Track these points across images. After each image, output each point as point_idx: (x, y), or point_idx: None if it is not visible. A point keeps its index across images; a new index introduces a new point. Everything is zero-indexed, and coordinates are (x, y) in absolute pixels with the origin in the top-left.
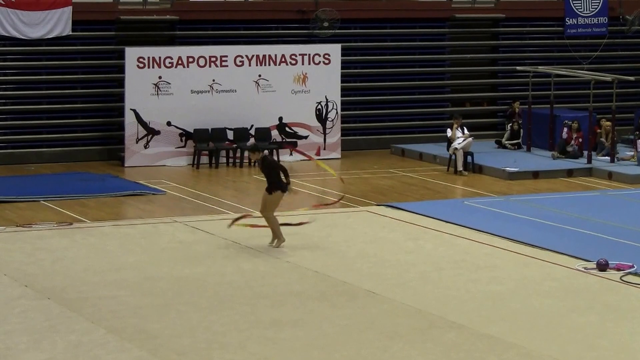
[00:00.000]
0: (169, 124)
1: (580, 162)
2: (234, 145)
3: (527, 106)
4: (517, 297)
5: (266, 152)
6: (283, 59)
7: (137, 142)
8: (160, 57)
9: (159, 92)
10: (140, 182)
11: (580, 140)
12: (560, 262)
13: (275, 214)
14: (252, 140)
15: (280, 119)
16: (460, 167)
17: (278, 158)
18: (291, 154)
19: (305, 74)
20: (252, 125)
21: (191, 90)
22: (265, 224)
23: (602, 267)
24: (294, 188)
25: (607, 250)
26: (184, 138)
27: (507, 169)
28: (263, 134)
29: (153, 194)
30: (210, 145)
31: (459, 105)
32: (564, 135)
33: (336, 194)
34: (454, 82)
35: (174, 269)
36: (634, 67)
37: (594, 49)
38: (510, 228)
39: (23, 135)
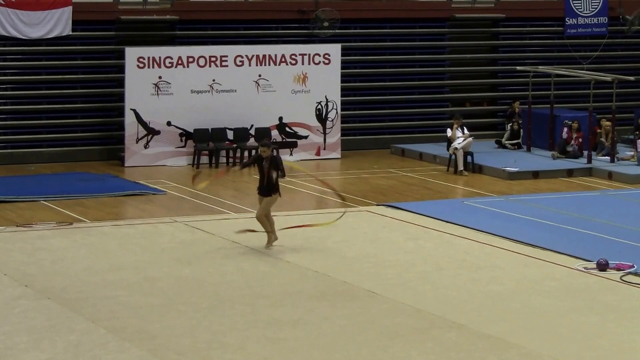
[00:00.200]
0: (169, 124)
1: (580, 162)
2: (234, 145)
3: (527, 106)
4: (517, 297)
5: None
6: (283, 59)
7: (137, 142)
8: (160, 57)
9: (159, 92)
10: (140, 182)
11: (580, 140)
12: (560, 262)
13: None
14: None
15: (281, 118)
16: (460, 167)
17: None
18: (291, 154)
19: (305, 73)
20: (252, 125)
21: (191, 90)
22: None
23: (602, 267)
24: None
25: (607, 250)
26: (184, 138)
27: (507, 169)
28: (263, 134)
29: (153, 193)
30: (210, 145)
31: (458, 105)
32: (564, 135)
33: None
34: (454, 82)
35: (174, 269)
36: (634, 67)
37: (594, 49)
38: (510, 228)
39: (23, 135)
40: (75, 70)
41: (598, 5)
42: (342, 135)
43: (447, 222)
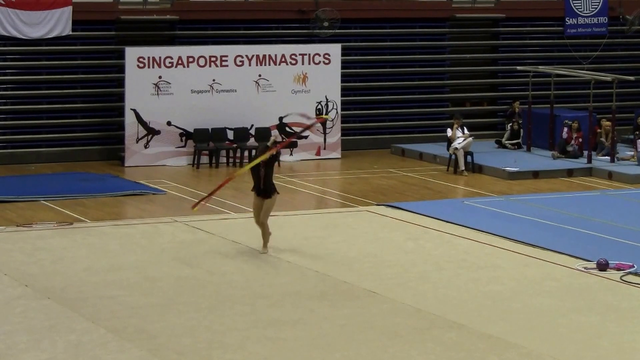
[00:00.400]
0: (169, 123)
1: (581, 162)
2: (234, 145)
3: (527, 106)
4: (517, 297)
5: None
6: (283, 59)
7: (137, 142)
8: (160, 57)
9: (159, 92)
10: (141, 182)
11: (580, 140)
12: (560, 262)
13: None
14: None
15: (281, 118)
16: (460, 167)
17: (279, 160)
18: (291, 154)
19: (305, 73)
20: (252, 125)
21: (191, 90)
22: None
23: (602, 267)
24: None
25: (607, 250)
26: (184, 138)
27: (507, 168)
28: (263, 133)
29: (153, 193)
30: (211, 145)
31: (459, 105)
32: (564, 135)
33: (337, 193)
34: (454, 82)
35: (174, 269)
36: (634, 67)
37: (594, 49)
38: (510, 228)
39: (23, 135)
40: (75, 70)
41: (598, 5)
42: (342, 135)
43: (447, 222)
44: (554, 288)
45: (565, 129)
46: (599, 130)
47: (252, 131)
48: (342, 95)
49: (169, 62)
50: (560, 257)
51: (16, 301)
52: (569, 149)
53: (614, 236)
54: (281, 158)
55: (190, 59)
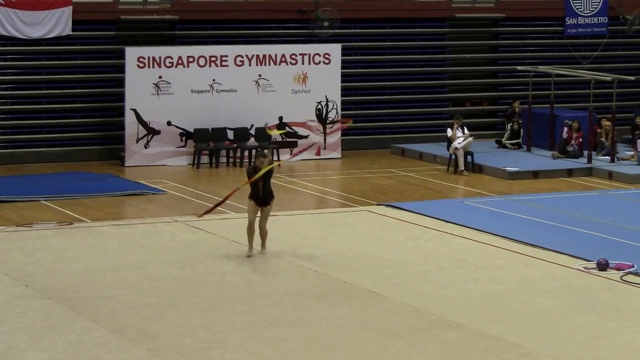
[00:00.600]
0: (169, 123)
1: (581, 162)
2: (234, 145)
3: (527, 106)
4: (517, 297)
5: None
6: (283, 59)
7: (137, 142)
8: (160, 57)
9: (159, 92)
10: (141, 181)
11: (581, 140)
12: (560, 261)
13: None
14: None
15: (281, 118)
16: (460, 167)
17: (278, 158)
18: (291, 153)
19: (306, 73)
20: (252, 125)
21: (191, 90)
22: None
23: (603, 266)
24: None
25: (607, 250)
26: (184, 138)
27: (508, 168)
28: (263, 133)
29: (153, 193)
30: (211, 145)
31: (459, 105)
32: (564, 135)
33: (337, 193)
34: (454, 82)
35: (174, 269)
36: (634, 67)
37: (594, 49)
38: (510, 228)
39: (23, 135)
40: (75, 70)
41: (598, 5)
42: (342, 135)
43: (447, 222)
44: (554, 288)
45: (565, 129)
46: (599, 130)
47: (252, 131)
48: (342, 95)
49: (169, 62)
50: (560, 257)
51: (16, 301)
52: (569, 149)
53: (614, 236)
54: (281, 158)
55: (190, 59)
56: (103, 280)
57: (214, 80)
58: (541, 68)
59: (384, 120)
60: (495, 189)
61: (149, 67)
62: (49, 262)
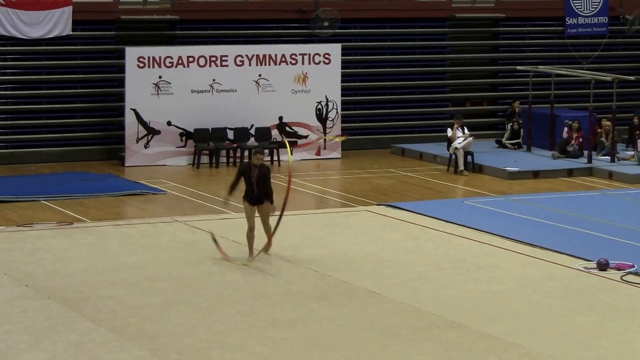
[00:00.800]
0: (169, 123)
1: (581, 162)
2: (234, 145)
3: (527, 106)
4: (517, 297)
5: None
6: (283, 59)
7: (137, 142)
8: (160, 57)
9: (159, 92)
10: (141, 181)
11: (581, 140)
12: (560, 261)
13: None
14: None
15: (281, 118)
16: (460, 167)
17: (278, 158)
18: (291, 154)
19: (306, 73)
20: (252, 125)
21: (191, 90)
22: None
23: (603, 266)
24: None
25: (608, 249)
26: (184, 138)
27: (508, 168)
28: (263, 133)
29: (153, 193)
30: (211, 145)
31: (459, 105)
32: (564, 135)
33: (337, 193)
34: (454, 82)
35: (174, 269)
36: (634, 67)
37: (594, 49)
38: (510, 228)
39: (23, 135)
40: (75, 70)
41: (598, 5)
42: (342, 134)
43: (447, 221)
44: (553, 288)
45: (566, 129)
46: (599, 130)
47: (252, 131)
48: (342, 95)
49: (169, 62)
50: (560, 257)
51: (16, 301)
52: (569, 148)
53: (614, 236)
54: (281, 158)
55: (190, 59)
56: (103, 280)
57: (214, 80)
58: (541, 68)
59: (384, 120)
60: (495, 189)
61: (149, 67)
62: (49, 262)
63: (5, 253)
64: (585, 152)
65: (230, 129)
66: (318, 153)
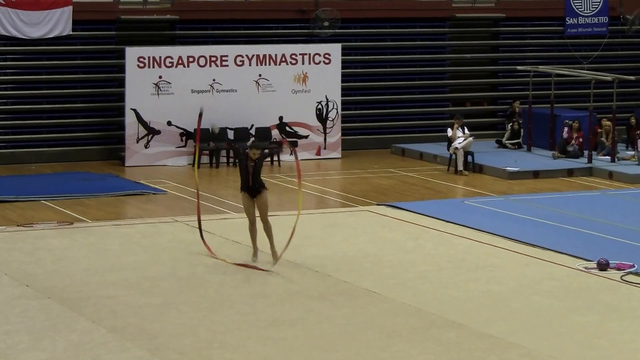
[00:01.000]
0: (169, 123)
1: (581, 162)
2: (235, 145)
3: (527, 106)
4: (517, 297)
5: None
6: (283, 59)
7: (137, 142)
8: (160, 57)
9: (159, 92)
10: (141, 181)
11: (581, 139)
12: (560, 261)
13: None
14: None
15: (281, 118)
16: (460, 167)
17: (279, 158)
18: (291, 154)
19: (306, 73)
20: (252, 125)
21: (191, 90)
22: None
23: (603, 266)
24: None
25: (608, 249)
26: (184, 138)
27: (508, 168)
28: (263, 133)
29: (153, 193)
30: (211, 145)
31: (459, 104)
32: (565, 134)
33: (337, 193)
34: (454, 82)
35: (174, 269)
36: (634, 67)
37: (594, 49)
38: (510, 228)
39: (23, 135)
40: (75, 70)
41: (598, 5)
42: (342, 134)
43: (447, 221)
44: (554, 288)
45: (566, 129)
46: (599, 130)
47: (252, 131)
48: (343, 95)
49: (169, 62)
50: (560, 257)
51: (16, 301)
52: (570, 148)
53: (615, 236)
54: (281, 158)
55: (191, 59)
56: (103, 280)
57: (214, 80)
58: (541, 68)
59: (384, 120)
60: (495, 189)
61: (149, 67)
62: (49, 262)
63: (6, 253)
64: (586, 152)
65: (230, 129)
66: (318, 153)
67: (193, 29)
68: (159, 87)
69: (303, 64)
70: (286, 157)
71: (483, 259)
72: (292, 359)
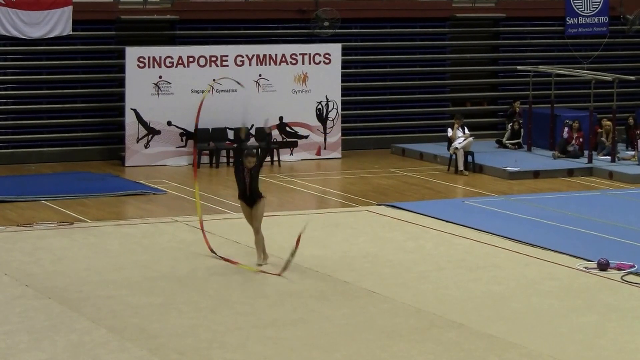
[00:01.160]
0: (169, 123)
1: (581, 162)
2: (234, 145)
3: (527, 106)
4: (517, 297)
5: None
6: (283, 59)
7: (137, 142)
8: (160, 57)
9: (159, 92)
10: (141, 181)
11: (581, 139)
12: (560, 261)
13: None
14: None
15: (281, 118)
16: (460, 167)
17: (279, 158)
18: (291, 154)
19: (306, 73)
20: (252, 125)
21: (191, 90)
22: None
23: (603, 266)
24: None
25: (608, 249)
26: (184, 138)
27: (508, 168)
28: (263, 133)
29: (154, 193)
30: (211, 145)
31: (459, 104)
32: (565, 134)
33: (337, 193)
34: (455, 82)
35: (174, 269)
36: (634, 67)
37: (594, 49)
38: (510, 228)
39: (23, 135)
40: (75, 70)
41: (599, 5)
42: (342, 134)
43: (448, 221)
44: (554, 288)
45: (566, 129)
46: (599, 130)
47: (253, 131)
48: (343, 95)
49: (169, 62)
50: (560, 257)
51: (16, 301)
52: (570, 148)
53: (615, 236)
54: (282, 158)
55: (191, 59)
56: (103, 280)
57: (214, 80)
58: (542, 68)
59: (385, 120)
60: (495, 189)
61: (149, 67)
62: (49, 262)
63: (6, 253)
64: (586, 152)
65: (231, 129)
66: (318, 153)
67: (193, 29)
68: (159, 87)
69: (303, 64)
70: (286, 157)
71: (483, 259)
72: (292, 359)
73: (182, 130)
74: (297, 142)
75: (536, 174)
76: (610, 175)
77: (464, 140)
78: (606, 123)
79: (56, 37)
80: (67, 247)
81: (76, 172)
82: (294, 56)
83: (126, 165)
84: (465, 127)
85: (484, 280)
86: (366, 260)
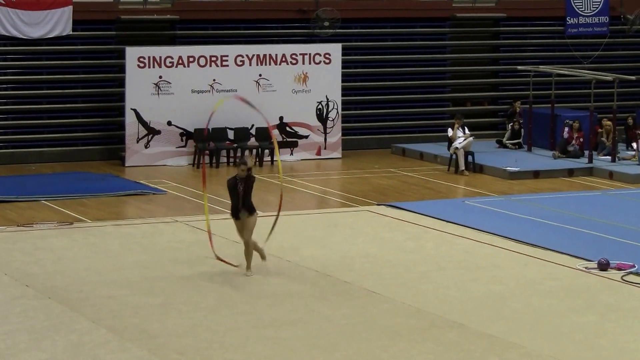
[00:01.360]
0: (169, 123)
1: (581, 162)
2: (234, 145)
3: (528, 106)
4: (518, 297)
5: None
6: (284, 59)
7: (137, 142)
8: (160, 57)
9: (159, 92)
10: (141, 181)
11: (581, 139)
12: (561, 261)
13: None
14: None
15: (281, 118)
16: (461, 167)
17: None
18: (292, 154)
19: (306, 73)
20: (252, 125)
21: (192, 90)
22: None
23: (603, 266)
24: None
25: (608, 249)
26: (184, 138)
27: (508, 168)
28: (263, 133)
29: (154, 193)
30: (211, 145)
31: (459, 104)
32: (565, 134)
33: (338, 193)
34: (455, 82)
35: (174, 269)
36: (634, 67)
37: (595, 49)
38: (511, 228)
39: (23, 135)
40: (75, 70)
41: (599, 5)
42: (342, 134)
43: (448, 221)
44: (554, 288)
45: (566, 129)
46: (599, 130)
47: (253, 131)
48: (343, 95)
49: (169, 62)
50: (560, 257)
51: (17, 301)
52: (570, 148)
53: (615, 236)
54: (282, 158)
55: (191, 59)
56: (103, 280)
57: (214, 80)
58: (542, 68)
59: (385, 120)
60: (495, 189)
61: (149, 67)
62: (49, 262)
63: (6, 253)
64: (586, 152)
65: (231, 129)
66: (318, 153)
67: (193, 29)
68: (159, 87)
69: (303, 64)
70: (286, 156)
71: (483, 259)
72: (292, 359)
73: (182, 130)
74: (297, 142)
75: (536, 174)
76: (611, 175)
77: (464, 140)
78: (606, 123)
79: (56, 37)
80: (67, 247)
81: (76, 172)
82: (294, 56)
83: (126, 165)
84: (466, 127)
85: (484, 280)
86: (366, 260)
